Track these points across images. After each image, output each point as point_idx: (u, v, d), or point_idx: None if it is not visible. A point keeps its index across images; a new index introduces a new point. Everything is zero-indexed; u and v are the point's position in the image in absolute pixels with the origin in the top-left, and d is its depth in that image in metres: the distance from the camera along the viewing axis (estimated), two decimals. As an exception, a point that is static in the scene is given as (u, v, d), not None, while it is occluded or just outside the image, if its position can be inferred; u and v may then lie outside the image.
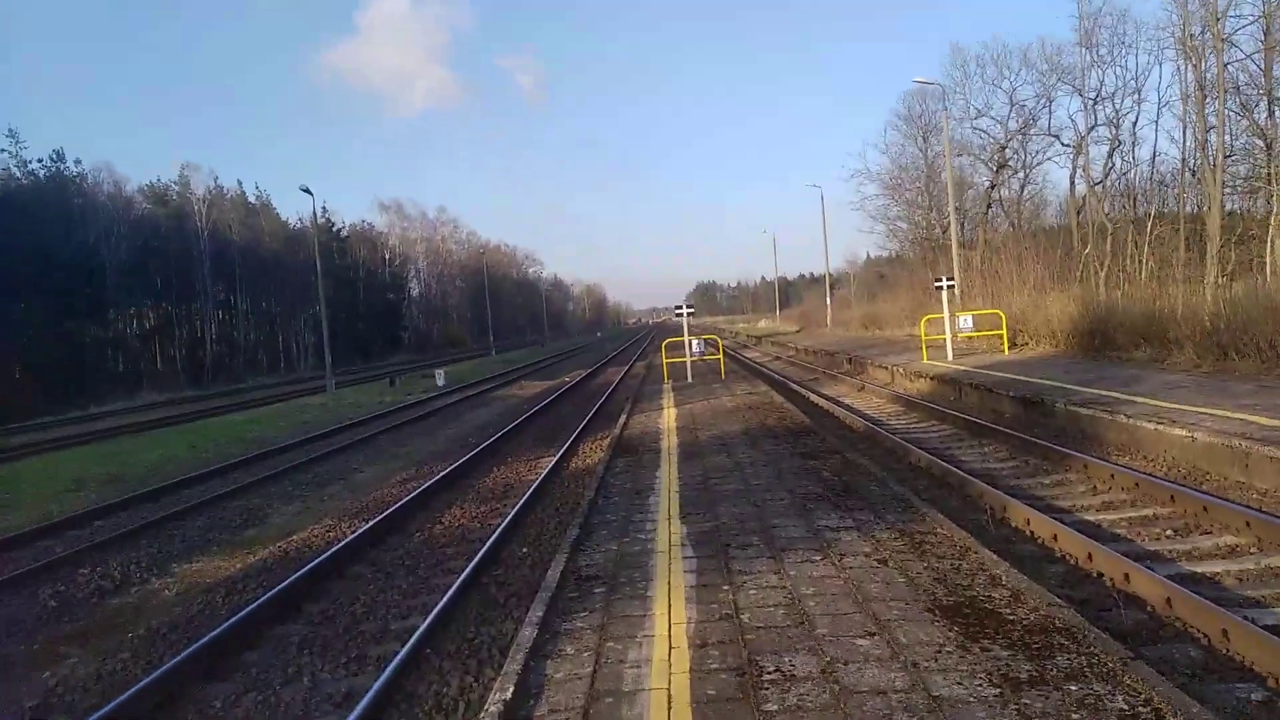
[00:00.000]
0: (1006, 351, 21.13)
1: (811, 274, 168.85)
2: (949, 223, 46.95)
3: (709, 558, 5.96)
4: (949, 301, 21.36)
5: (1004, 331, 21.28)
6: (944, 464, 10.22)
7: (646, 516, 7.38)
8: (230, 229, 71.71)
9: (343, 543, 8.76)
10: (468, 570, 7.39)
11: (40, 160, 55.99)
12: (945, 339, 21.18)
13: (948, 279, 21.11)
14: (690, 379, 21.88)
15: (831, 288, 57.96)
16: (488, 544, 8.17)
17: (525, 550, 8.05)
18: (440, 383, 34.24)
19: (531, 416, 20.11)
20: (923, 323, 22.71)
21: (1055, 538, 6.88)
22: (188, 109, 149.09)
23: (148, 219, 64.85)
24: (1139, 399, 11.73)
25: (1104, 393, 12.64)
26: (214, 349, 67.63)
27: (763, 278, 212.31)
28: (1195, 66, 32.85)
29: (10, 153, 53.96)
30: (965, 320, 21.42)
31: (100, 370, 52.80)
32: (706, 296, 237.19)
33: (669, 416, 14.88)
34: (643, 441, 12.09)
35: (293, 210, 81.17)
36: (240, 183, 78.87)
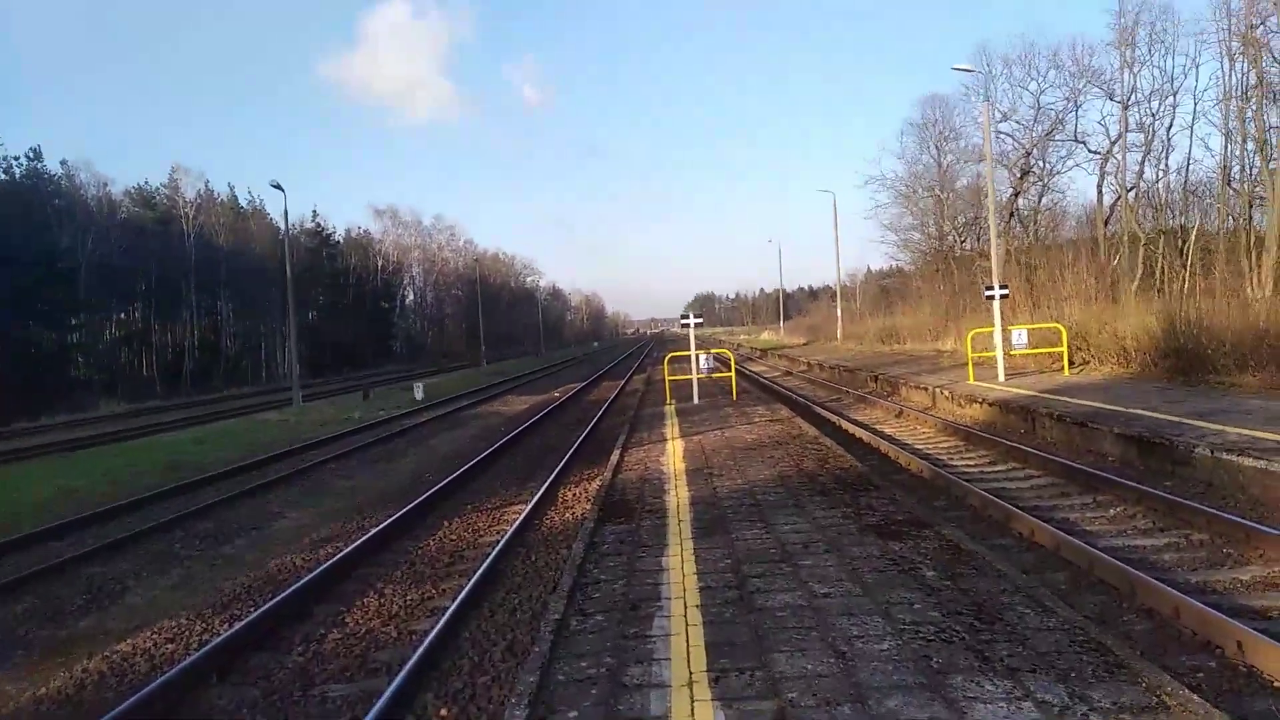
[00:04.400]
0: (1067, 372, 18.01)
1: (811, 287, 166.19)
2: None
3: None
4: (1000, 313, 18.23)
5: (1065, 349, 18.17)
6: (1075, 541, 7.08)
7: (650, 677, 4.22)
8: (218, 234, 68.63)
9: (180, 666, 5.61)
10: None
11: (16, 158, 52.94)
12: (996, 356, 18.05)
13: (1000, 287, 17.99)
14: (697, 399, 18.74)
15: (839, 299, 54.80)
16: (392, 687, 5.02)
17: (445, 714, 4.86)
18: (418, 397, 31.07)
19: (510, 443, 16.95)
20: (969, 338, 19.57)
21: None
22: (182, 113, 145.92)
23: (133, 222, 61.76)
24: (1318, 445, 8.60)
25: (1251, 434, 9.53)
26: (196, 357, 64.43)
27: (761, 289, 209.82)
28: (1254, 60, 29.86)
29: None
30: (1019, 335, 18.31)
31: (64, 378, 49.49)
32: (705, 307, 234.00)
33: (674, 452, 11.74)
34: (641, 494, 8.94)
35: (290, 217, 77.98)
36: (231, 187, 75.90)
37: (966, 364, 19.57)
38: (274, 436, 21.22)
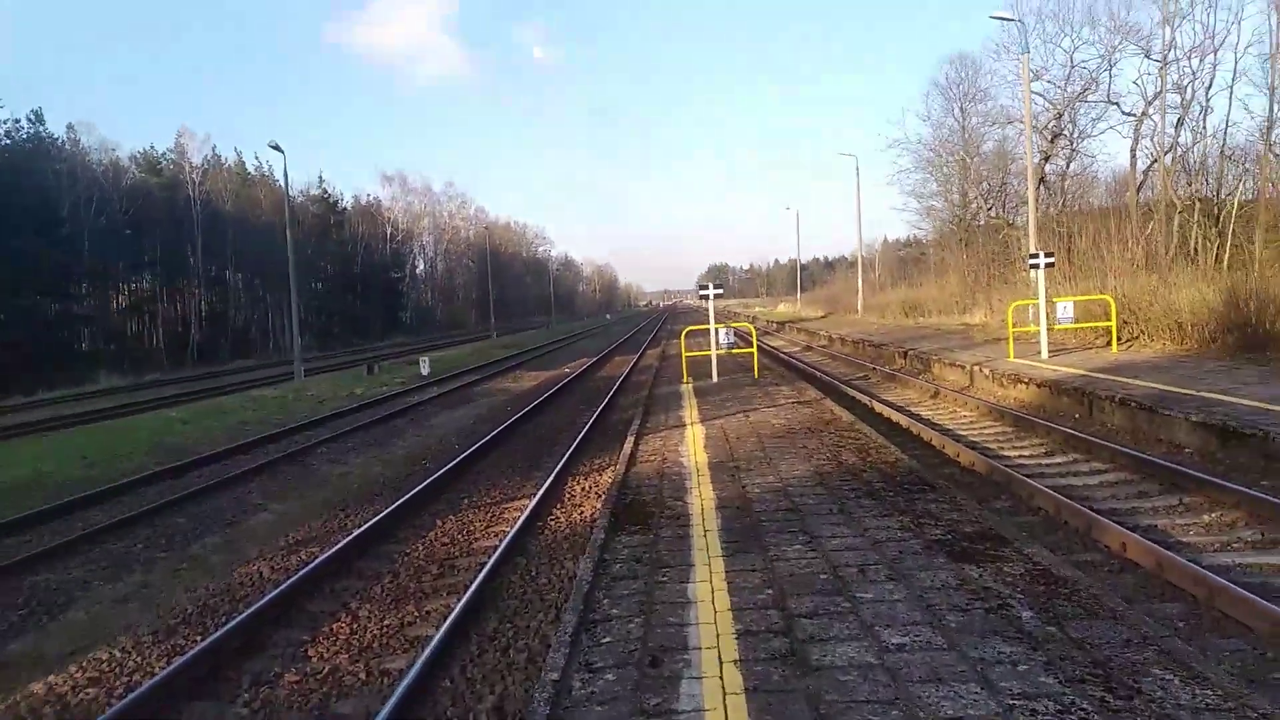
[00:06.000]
0: (1115, 349, 16.74)
1: (827, 258, 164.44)
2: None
3: None
4: (1044, 284, 16.90)
5: (1113, 323, 16.87)
6: (1180, 560, 5.91)
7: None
8: (225, 201, 67.45)
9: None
10: None
11: (17, 121, 51.74)
12: (1039, 331, 16.78)
13: (1045, 255, 16.65)
14: (716, 377, 17.56)
15: (855, 270, 53.30)
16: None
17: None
18: (424, 371, 30.01)
19: (516, 423, 15.84)
20: (1009, 310, 18.29)
21: None
22: (188, 78, 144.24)
23: (138, 188, 60.69)
24: None
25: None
26: (202, 328, 63.53)
27: (776, 260, 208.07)
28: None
29: (-20, 112, 49.86)
30: (1065, 308, 17.01)
31: (68, 350, 48.64)
32: (719, 278, 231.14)
33: (695, 440, 10.58)
34: (659, 493, 7.79)
35: (296, 185, 76.56)
36: (239, 152, 74.37)
37: (1001, 339, 18.37)
38: (269, 415, 20.21)
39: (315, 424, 17.88)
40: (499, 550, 7.43)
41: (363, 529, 8.48)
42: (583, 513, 8.75)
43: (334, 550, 7.76)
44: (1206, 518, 7.25)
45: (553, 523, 8.64)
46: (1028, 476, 8.79)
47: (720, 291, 17.32)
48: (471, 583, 6.60)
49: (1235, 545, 6.55)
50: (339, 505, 10.33)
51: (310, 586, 6.97)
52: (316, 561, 7.42)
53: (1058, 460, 9.90)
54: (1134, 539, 6.40)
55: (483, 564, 7.15)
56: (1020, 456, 10.26)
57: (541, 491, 9.59)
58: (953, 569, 5.18)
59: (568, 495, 9.74)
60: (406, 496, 9.84)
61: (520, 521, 8.38)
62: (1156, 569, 5.95)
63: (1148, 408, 10.54)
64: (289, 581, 6.88)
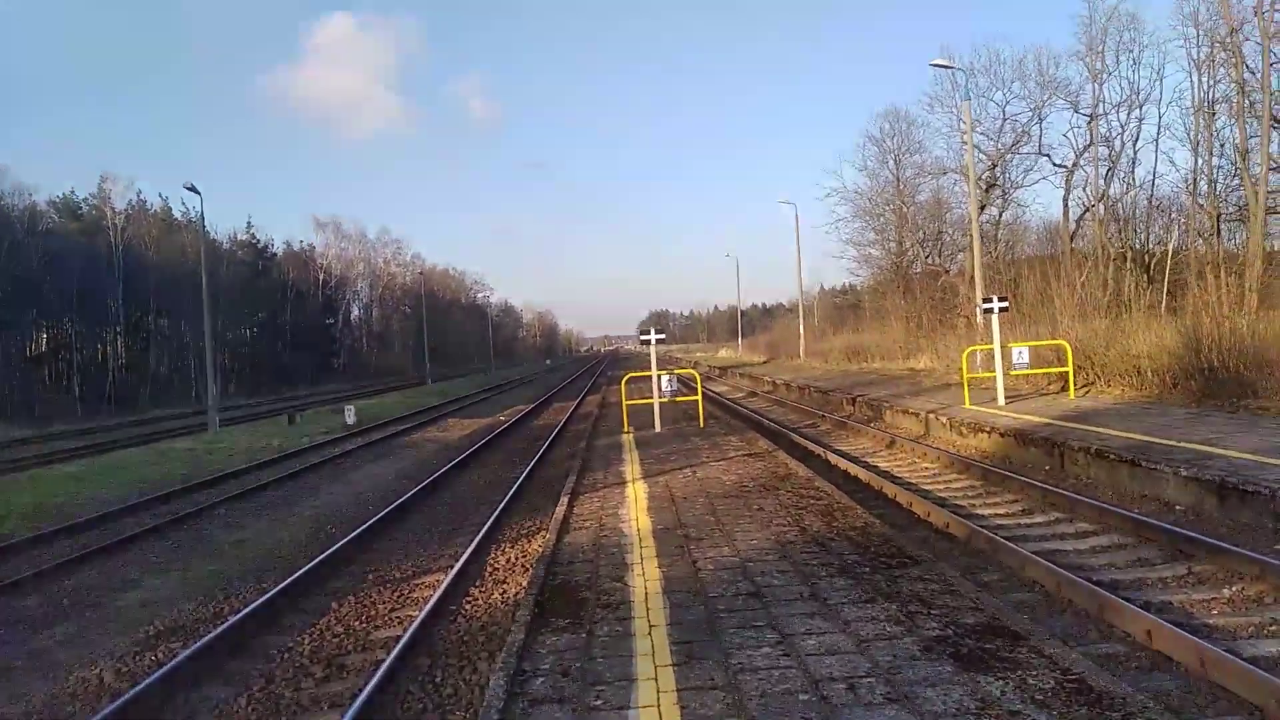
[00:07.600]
0: (1073, 395, 16.07)
1: (765, 304, 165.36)
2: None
3: None
4: (999, 329, 16.22)
5: (1070, 369, 16.23)
6: (1224, 654, 4.89)
7: None
8: (148, 247, 64.80)
9: None
10: None
11: (-85, 166, 48.89)
12: (996, 377, 16.04)
13: (999, 299, 15.99)
14: (659, 427, 16.43)
15: (794, 316, 52.99)
16: None
17: None
18: (349, 421, 28.31)
19: (440, 479, 14.46)
20: (964, 355, 17.57)
21: None
22: (117, 125, 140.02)
23: (55, 233, 58.00)
24: None
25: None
26: (121, 375, 60.52)
27: (716, 307, 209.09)
28: (1235, 66, 28.49)
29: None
30: (1020, 353, 16.33)
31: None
32: (660, 324, 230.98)
33: (636, 501, 9.39)
34: (595, 571, 6.57)
35: (224, 230, 74.21)
36: (164, 198, 71.41)
37: (950, 384, 17.70)
38: (172, 470, 18.42)
39: (222, 480, 16.24)
40: (400, 643, 6.11)
41: (240, 615, 7.08)
42: (505, 592, 7.46)
43: (201, 644, 6.36)
44: (1227, 592, 6.30)
45: (469, 606, 7.32)
46: (1011, 540, 7.79)
47: (662, 337, 16.32)
48: (360, 691, 5.29)
49: (1273, 629, 5.57)
50: (224, 582, 8.86)
51: (159, 697, 5.58)
52: (173, 663, 6.02)
53: (1039, 520, 8.94)
54: (1161, 626, 5.38)
55: (378, 663, 5.84)
56: (997, 516, 9.28)
57: (459, 564, 8.29)
58: (965, 683, 4.07)
59: (490, 569, 8.42)
60: (303, 570, 8.46)
61: (430, 604, 7.06)
62: (1199, 668, 4.92)
63: (1129, 460, 9.68)
64: (130, 694, 5.48)
